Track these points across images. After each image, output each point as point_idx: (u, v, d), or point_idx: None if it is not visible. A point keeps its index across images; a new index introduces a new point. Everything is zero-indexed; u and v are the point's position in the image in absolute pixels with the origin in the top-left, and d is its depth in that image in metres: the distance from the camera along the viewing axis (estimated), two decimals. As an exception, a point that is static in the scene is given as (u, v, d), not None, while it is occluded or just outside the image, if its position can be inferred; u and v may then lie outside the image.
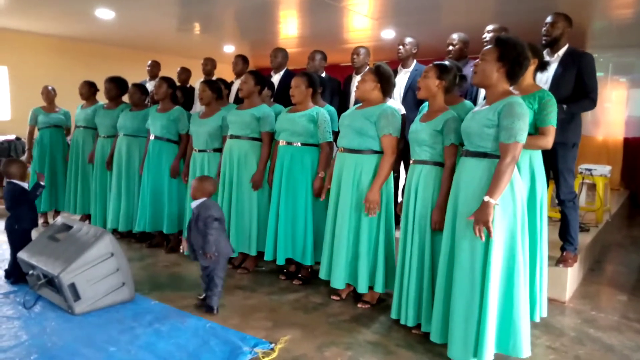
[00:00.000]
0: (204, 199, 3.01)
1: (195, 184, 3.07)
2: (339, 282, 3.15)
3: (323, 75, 4.47)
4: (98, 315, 2.95)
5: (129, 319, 2.92)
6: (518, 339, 2.32)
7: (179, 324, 2.87)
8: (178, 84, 4.96)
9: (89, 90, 5.02)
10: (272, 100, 4.25)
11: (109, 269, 3.06)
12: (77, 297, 2.94)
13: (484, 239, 2.24)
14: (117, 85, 4.75)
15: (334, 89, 4.46)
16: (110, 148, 4.63)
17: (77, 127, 5.03)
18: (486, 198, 2.22)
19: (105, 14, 6.00)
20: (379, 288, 3.11)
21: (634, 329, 3.01)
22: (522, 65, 2.32)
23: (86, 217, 5.04)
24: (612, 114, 7.36)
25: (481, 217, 2.22)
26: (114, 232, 4.58)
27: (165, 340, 2.66)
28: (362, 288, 3.11)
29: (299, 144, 3.49)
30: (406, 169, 3.08)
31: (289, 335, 2.76)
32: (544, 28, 3.34)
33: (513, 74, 2.33)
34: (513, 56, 2.29)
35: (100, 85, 4.93)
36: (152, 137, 4.31)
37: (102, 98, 4.95)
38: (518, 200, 2.32)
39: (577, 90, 3.24)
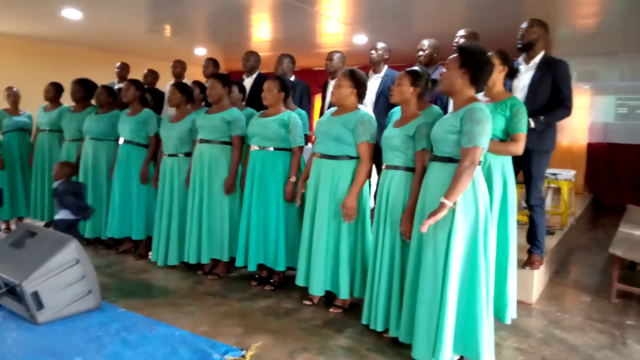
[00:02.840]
0: (63, 179, 3.78)
1: (57, 168, 3.84)
2: (317, 289, 3.13)
3: (292, 78, 4.48)
4: (62, 325, 2.86)
5: (95, 327, 2.84)
6: (479, 343, 2.32)
7: (147, 332, 2.80)
8: (145, 86, 4.87)
9: (55, 92, 4.88)
10: (243, 103, 4.22)
11: (75, 276, 2.97)
12: (40, 305, 2.85)
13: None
14: (83, 87, 4.62)
15: (302, 91, 4.46)
16: (77, 152, 4.52)
17: (41, 130, 4.87)
18: (442, 199, 2.26)
19: (72, 14, 5.85)
20: (357, 292, 3.12)
21: (597, 329, 3.10)
22: (484, 70, 2.37)
23: (51, 224, 4.89)
24: (576, 120, 7.53)
25: (432, 214, 2.27)
26: (81, 238, 4.45)
27: (132, 349, 2.59)
28: (344, 294, 3.10)
29: (271, 149, 3.47)
30: (378, 174, 3.09)
31: (261, 342, 2.73)
32: (520, 32, 3.33)
33: (475, 79, 2.38)
34: (474, 62, 2.35)
35: (67, 88, 4.81)
36: (121, 141, 4.22)
37: (67, 100, 4.82)
38: (481, 205, 2.35)
39: (553, 97, 3.24)
